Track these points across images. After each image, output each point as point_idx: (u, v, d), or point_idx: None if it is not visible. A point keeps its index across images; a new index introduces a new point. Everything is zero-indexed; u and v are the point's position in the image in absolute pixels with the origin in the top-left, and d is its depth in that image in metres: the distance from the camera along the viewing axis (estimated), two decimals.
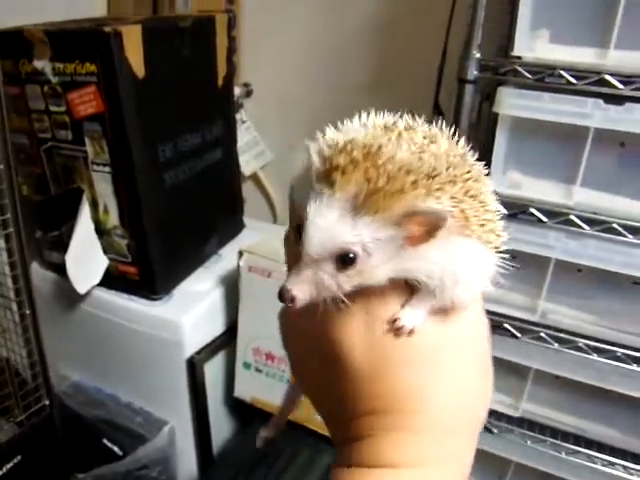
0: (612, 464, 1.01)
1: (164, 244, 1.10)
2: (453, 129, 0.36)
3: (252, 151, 1.54)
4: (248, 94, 1.54)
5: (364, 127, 0.35)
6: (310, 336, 0.37)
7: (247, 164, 1.54)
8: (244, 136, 1.51)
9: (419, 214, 0.30)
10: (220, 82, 1.21)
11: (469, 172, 0.34)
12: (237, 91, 1.49)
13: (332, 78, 1.42)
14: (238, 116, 1.50)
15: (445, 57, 1.13)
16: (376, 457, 0.33)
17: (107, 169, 1.03)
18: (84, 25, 1.02)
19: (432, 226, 0.30)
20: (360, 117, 0.36)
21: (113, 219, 1.07)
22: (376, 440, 0.33)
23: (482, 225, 0.34)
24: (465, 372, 0.35)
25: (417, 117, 0.37)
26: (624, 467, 1.00)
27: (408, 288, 0.34)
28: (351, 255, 0.30)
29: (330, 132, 0.34)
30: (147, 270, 1.10)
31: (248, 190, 1.59)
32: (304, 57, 1.44)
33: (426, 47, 1.18)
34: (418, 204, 0.30)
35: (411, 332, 0.34)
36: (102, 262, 1.11)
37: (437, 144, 0.34)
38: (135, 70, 0.97)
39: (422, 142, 0.33)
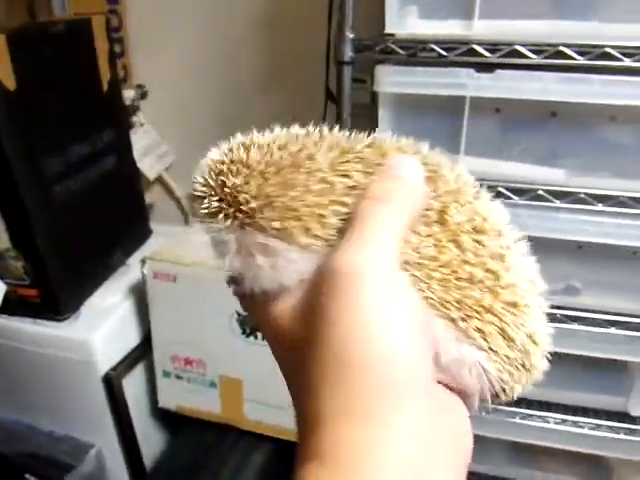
0: (564, 421, 1.04)
1: (63, 261, 1.05)
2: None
3: (154, 154, 1.49)
4: (143, 96, 1.49)
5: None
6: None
7: (151, 168, 1.49)
8: (143, 139, 1.46)
9: None
10: (105, 87, 1.16)
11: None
12: (131, 94, 1.43)
13: (225, 74, 1.39)
14: (135, 119, 1.46)
15: (330, 42, 1.13)
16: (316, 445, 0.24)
17: None
18: None
19: None
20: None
21: (4, 242, 1.02)
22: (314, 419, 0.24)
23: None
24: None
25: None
26: (574, 422, 1.03)
27: None
28: None
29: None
30: (48, 291, 1.05)
31: (156, 194, 1.55)
32: (195, 56, 1.41)
33: (313, 34, 1.17)
34: None
35: None
36: None
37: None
38: (4, 82, 0.92)
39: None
